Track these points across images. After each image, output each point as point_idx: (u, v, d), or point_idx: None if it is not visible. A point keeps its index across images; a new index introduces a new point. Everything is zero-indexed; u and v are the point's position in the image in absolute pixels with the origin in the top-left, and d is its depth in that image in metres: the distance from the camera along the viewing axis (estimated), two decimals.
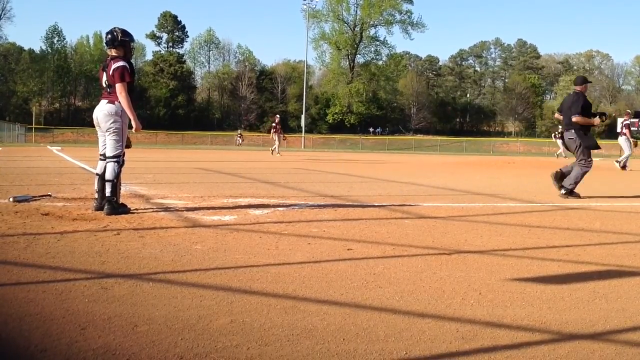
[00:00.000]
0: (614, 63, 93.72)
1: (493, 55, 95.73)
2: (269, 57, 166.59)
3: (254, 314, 2.40)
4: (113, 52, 5.12)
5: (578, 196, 7.57)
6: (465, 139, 61.06)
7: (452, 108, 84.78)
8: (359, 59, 73.46)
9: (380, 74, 71.64)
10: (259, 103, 73.05)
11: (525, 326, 2.36)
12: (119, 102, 5.04)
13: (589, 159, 7.72)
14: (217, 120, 72.27)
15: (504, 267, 3.44)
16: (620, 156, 17.46)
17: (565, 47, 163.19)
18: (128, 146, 5.33)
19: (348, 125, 69.02)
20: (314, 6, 58.54)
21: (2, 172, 9.97)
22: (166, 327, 2.20)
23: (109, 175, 5.00)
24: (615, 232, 4.89)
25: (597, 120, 7.92)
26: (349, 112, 69.64)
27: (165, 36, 74.73)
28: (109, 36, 5.13)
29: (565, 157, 28.77)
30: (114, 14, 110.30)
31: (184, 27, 75.77)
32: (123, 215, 4.91)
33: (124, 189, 6.21)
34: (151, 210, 5.38)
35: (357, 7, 71.84)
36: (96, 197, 5.19)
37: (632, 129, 19.43)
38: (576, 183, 7.64)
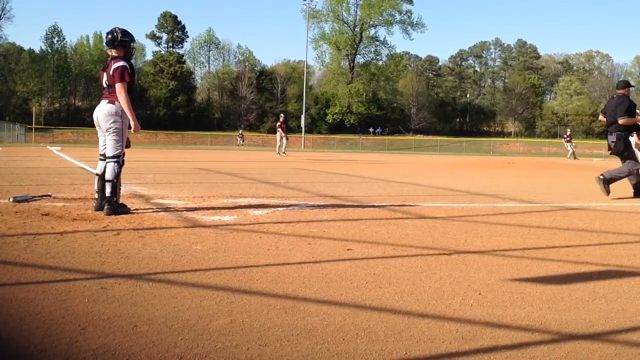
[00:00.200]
0: (614, 63, 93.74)
1: (493, 56, 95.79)
2: (269, 57, 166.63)
3: (253, 314, 2.40)
4: (113, 52, 5.13)
5: (607, 190, 7.69)
6: (465, 139, 61.10)
7: (452, 108, 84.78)
8: (359, 59, 73.49)
9: (380, 74, 71.62)
10: (259, 103, 73.02)
11: (525, 326, 2.36)
12: (119, 102, 5.04)
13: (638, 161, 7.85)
14: (217, 121, 72.26)
15: (503, 267, 3.44)
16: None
17: (565, 48, 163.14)
18: (127, 146, 5.33)
19: (348, 126, 69.00)
20: (314, 6, 58.57)
21: (2, 172, 9.97)
22: (166, 327, 2.20)
23: (108, 175, 5.01)
24: (615, 233, 4.89)
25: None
26: (348, 112, 69.63)
27: (165, 36, 74.72)
28: (109, 36, 5.13)
29: (577, 159, 28.79)
30: (114, 14, 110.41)
31: (184, 27, 75.79)
32: (123, 216, 4.91)
33: (124, 189, 6.21)
34: (151, 210, 5.39)
35: (357, 7, 71.90)
36: (96, 197, 5.19)
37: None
38: (617, 176, 7.80)
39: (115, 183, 5.01)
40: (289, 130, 25.48)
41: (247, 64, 76.49)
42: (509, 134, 77.25)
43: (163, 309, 2.42)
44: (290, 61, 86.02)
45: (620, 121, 7.78)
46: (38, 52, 68.20)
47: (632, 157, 7.81)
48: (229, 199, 6.45)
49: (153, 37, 74.31)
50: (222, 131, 62.49)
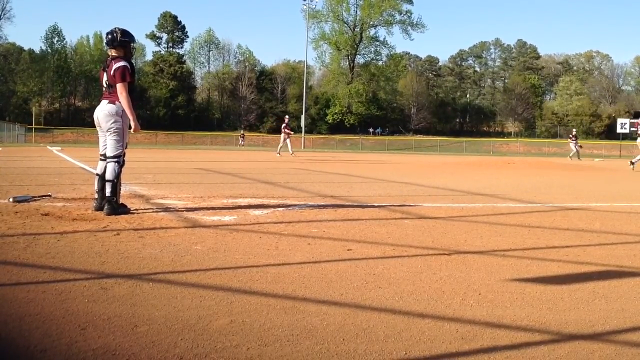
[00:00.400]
0: (614, 63, 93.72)
1: (493, 56, 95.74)
2: (269, 57, 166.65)
3: (253, 314, 2.40)
4: (113, 53, 5.13)
5: None
6: (465, 139, 61.09)
7: (452, 108, 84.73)
8: (359, 59, 73.44)
9: (380, 75, 71.58)
10: (259, 103, 72.98)
11: (525, 326, 2.36)
12: (120, 102, 5.04)
13: None
14: (217, 121, 72.23)
15: (503, 267, 3.44)
16: (635, 157, 17.59)
17: (565, 48, 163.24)
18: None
19: (348, 126, 68.98)
20: (314, 6, 58.52)
21: (2, 172, 9.97)
22: (166, 328, 2.20)
23: (109, 175, 5.01)
24: (615, 233, 4.89)
25: None
26: (348, 113, 69.60)
27: (165, 36, 74.69)
28: (109, 36, 5.13)
29: (580, 159, 28.78)
30: (114, 14, 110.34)
31: (184, 27, 75.76)
32: (123, 216, 4.91)
33: (124, 189, 6.20)
34: (151, 210, 5.39)
35: (357, 8, 71.84)
36: (96, 197, 5.19)
37: (632, 129, 19.76)
38: None
39: (116, 183, 5.01)
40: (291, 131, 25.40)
41: (247, 64, 76.45)
42: (509, 134, 77.22)
43: (163, 309, 2.42)
44: (290, 61, 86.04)
45: None
46: (38, 52, 68.16)
47: None
48: (229, 199, 6.45)
49: (153, 37, 74.30)
50: (222, 131, 62.49)
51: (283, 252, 3.66)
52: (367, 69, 71.75)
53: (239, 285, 2.86)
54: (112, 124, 5.06)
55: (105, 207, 4.96)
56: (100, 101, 5.23)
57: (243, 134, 52.23)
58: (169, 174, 11.11)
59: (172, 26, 74.40)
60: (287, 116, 26.11)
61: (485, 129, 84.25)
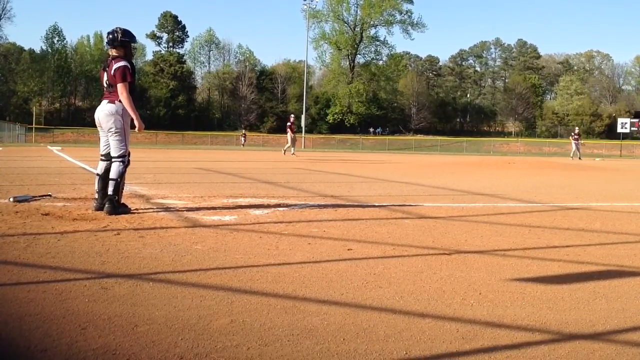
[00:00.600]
0: (614, 63, 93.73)
1: (493, 56, 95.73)
2: (269, 57, 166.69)
3: (254, 314, 2.40)
4: (113, 52, 5.13)
5: None
6: (465, 139, 61.05)
7: (452, 108, 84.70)
8: (359, 59, 73.45)
9: (380, 74, 71.59)
10: (259, 103, 73.00)
11: (525, 326, 2.36)
12: (120, 101, 5.04)
13: None
14: (217, 120, 72.24)
15: (504, 267, 3.44)
16: None
17: (566, 47, 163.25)
18: None
19: (348, 126, 68.98)
20: (314, 6, 58.51)
21: (2, 172, 9.97)
22: (166, 327, 2.20)
23: (113, 174, 5.01)
24: (616, 233, 4.89)
25: None
26: (349, 112, 69.60)
27: (165, 36, 74.75)
28: (110, 36, 5.13)
29: (580, 158, 28.77)
30: (114, 14, 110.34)
31: (184, 27, 75.79)
32: (123, 215, 4.91)
33: (124, 189, 6.20)
34: (151, 210, 5.38)
35: (357, 7, 71.86)
36: (96, 197, 5.19)
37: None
38: None
39: (119, 182, 5.00)
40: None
41: (247, 64, 76.48)
42: (509, 134, 77.20)
43: (163, 309, 2.42)
44: (291, 61, 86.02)
45: None
46: (38, 52, 68.20)
47: None
48: (229, 199, 6.45)
49: (153, 37, 74.33)
50: (222, 131, 62.50)
51: (283, 252, 3.66)
52: (367, 69, 71.75)
53: (240, 285, 2.86)
54: (112, 123, 5.06)
55: (106, 205, 4.96)
56: (100, 101, 5.23)
57: (245, 134, 52.19)
58: (170, 174, 11.11)
59: (173, 26, 74.43)
60: (292, 115, 26.06)
61: (485, 128, 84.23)
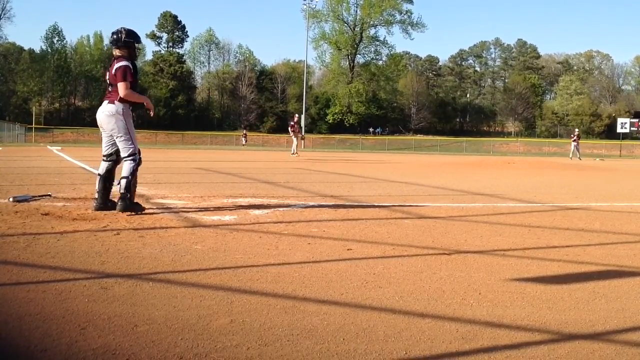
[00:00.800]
0: (614, 63, 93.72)
1: (493, 56, 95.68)
2: (269, 57, 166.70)
3: (253, 314, 2.40)
4: (117, 52, 5.12)
5: None
6: (465, 139, 61.06)
7: (452, 108, 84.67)
8: (359, 59, 73.43)
9: (380, 74, 71.57)
10: (259, 103, 72.98)
11: (525, 326, 2.36)
12: (119, 101, 5.04)
13: None
14: (217, 120, 72.23)
15: (504, 267, 3.44)
16: None
17: (565, 47, 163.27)
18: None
19: (348, 125, 68.98)
20: (314, 6, 58.61)
21: (2, 172, 9.97)
22: (166, 327, 2.20)
23: (124, 172, 5.03)
24: (615, 233, 4.89)
25: None
26: (348, 112, 69.59)
27: (165, 36, 74.71)
28: (114, 36, 5.13)
29: (580, 158, 28.77)
30: (114, 14, 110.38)
31: (184, 27, 75.76)
32: (123, 215, 4.90)
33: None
34: (151, 210, 5.38)
35: (357, 7, 71.84)
36: (96, 196, 5.19)
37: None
38: None
39: (130, 180, 5.00)
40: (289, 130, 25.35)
41: (247, 63, 76.44)
42: (509, 134, 77.21)
43: (163, 309, 2.42)
44: (290, 61, 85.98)
45: None
46: (38, 52, 68.14)
47: None
48: (229, 199, 6.45)
49: (153, 37, 74.29)
50: (222, 131, 62.49)
51: (283, 252, 3.66)
52: (367, 69, 71.74)
53: (239, 284, 2.86)
54: (114, 124, 5.05)
55: (119, 203, 4.95)
56: (102, 101, 5.24)
57: (245, 134, 52.13)
58: (169, 174, 11.11)
59: (172, 26, 74.40)
60: (296, 115, 26.04)
61: (485, 128, 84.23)
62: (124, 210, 4.89)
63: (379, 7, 69.06)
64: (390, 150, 50.21)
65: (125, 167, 5.04)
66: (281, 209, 5.74)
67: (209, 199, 6.43)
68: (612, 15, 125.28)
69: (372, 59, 74.04)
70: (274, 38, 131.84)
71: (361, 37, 71.87)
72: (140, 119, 5.34)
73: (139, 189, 7.25)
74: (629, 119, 55.52)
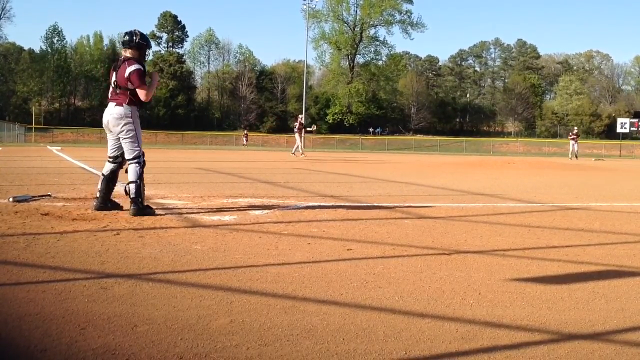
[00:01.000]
0: (614, 63, 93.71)
1: (493, 56, 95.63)
2: (269, 57, 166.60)
3: (253, 314, 2.40)
4: (127, 54, 5.05)
5: None
6: (465, 139, 61.03)
7: (452, 108, 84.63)
8: (359, 59, 73.39)
9: (380, 74, 71.55)
10: (259, 103, 72.95)
11: (525, 326, 2.36)
12: (128, 104, 5.01)
13: None
14: (217, 120, 72.21)
15: (503, 267, 3.44)
16: None
17: (565, 47, 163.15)
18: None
19: (347, 125, 68.97)
20: (314, 6, 58.45)
21: (2, 172, 9.97)
22: (166, 327, 2.20)
23: (131, 176, 4.98)
24: (615, 233, 4.90)
25: None
26: (348, 112, 69.58)
27: (165, 36, 74.66)
28: (127, 37, 5.07)
29: (577, 158, 28.76)
30: (113, 14, 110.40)
31: (184, 27, 75.73)
32: (123, 215, 4.91)
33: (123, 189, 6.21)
34: None
35: (357, 7, 71.78)
36: (97, 197, 5.18)
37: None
38: None
39: (139, 184, 4.97)
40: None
41: (247, 63, 76.41)
42: (509, 134, 77.18)
43: (163, 309, 2.42)
44: (290, 61, 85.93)
45: None
46: (38, 52, 68.12)
47: None
48: (229, 199, 6.45)
49: (153, 37, 74.09)
50: (222, 131, 62.47)
51: (283, 252, 3.66)
52: (367, 69, 71.72)
53: (239, 285, 2.86)
54: (122, 126, 5.02)
55: (132, 207, 4.93)
56: (107, 103, 5.17)
57: (246, 134, 52.07)
58: (169, 174, 11.10)
59: (172, 26, 74.37)
60: (300, 115, 26.08)
61: (485, 128, 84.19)
62: (136, 214, 4.87)
63: (379, 7, 69.03)
64: (390, 150, 50.21)
65: (131, 171, 5.01)
66: (281, 209, 5.74)
67: (208, 199, 6.43)
68: (612, 15, 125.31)
69: (372, 59, 74.03)
70: (273, 38, 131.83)
71: (361, 37, 71.85)
72: (140, 119, 5.33)
73: None
74: (628, 119, 55.50)
